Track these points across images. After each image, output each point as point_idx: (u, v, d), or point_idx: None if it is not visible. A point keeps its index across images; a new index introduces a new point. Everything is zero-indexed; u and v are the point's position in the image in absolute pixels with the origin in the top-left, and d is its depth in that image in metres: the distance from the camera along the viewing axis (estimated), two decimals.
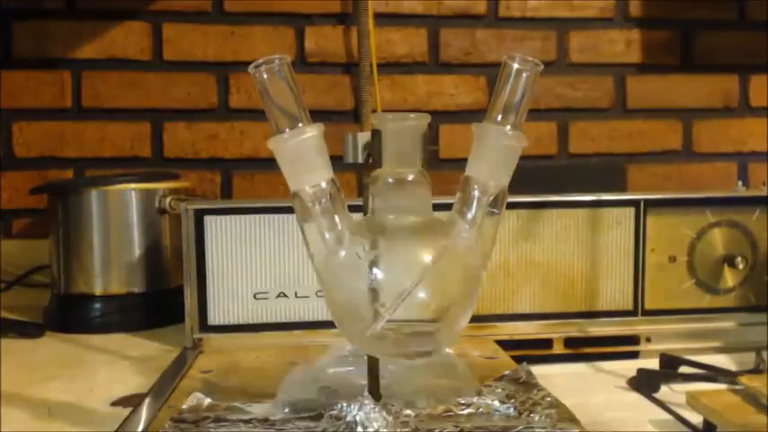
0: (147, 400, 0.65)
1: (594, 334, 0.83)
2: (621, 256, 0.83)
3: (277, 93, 0.49)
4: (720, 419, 0.56)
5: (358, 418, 0.51)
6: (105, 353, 0.86)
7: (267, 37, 1.29)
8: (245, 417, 0.55)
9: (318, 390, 0.58)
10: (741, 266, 0.84)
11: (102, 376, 0.80)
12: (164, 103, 1.29)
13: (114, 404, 0.66)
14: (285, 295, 0.80)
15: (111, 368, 0.81)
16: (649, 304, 0.84)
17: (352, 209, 0.52)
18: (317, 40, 1.30)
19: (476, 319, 0.63)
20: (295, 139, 0.49)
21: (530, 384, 0.61)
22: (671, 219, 0.84)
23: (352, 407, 0.52)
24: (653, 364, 0.75)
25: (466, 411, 0.55)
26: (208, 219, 0.79)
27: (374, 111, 1.25)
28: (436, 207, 0.52)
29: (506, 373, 0.63)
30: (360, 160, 0.59)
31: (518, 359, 0.69)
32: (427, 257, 0.49)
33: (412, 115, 0.54)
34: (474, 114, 1.31)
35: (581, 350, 0.82)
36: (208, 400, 0.58)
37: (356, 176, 1.26)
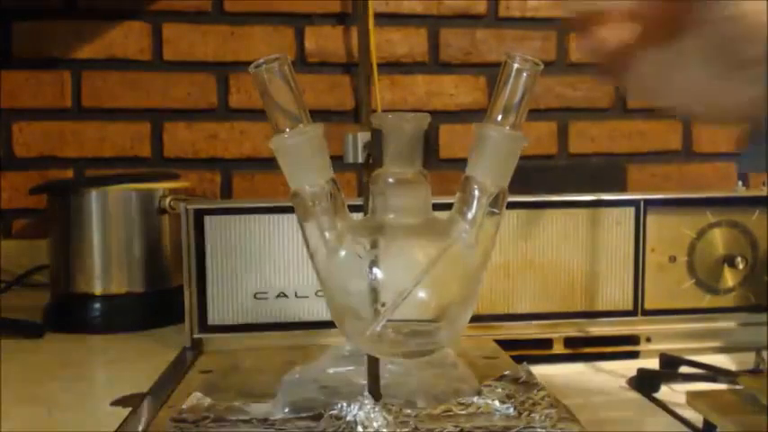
0: (147, 400, 0.65)
1: (594, 334, 0.83)
2: (621, 256, 0.83)
3: (277, 92, 0.49)
4: (720, 419, 0.56)
5: (358, 418, 0.51)
6: (105, 353, 0.86)
7: (267, 37, 1.29)
8: (245, 417, 0.55)
9: (318, 390, 0.58)
10: (741, 266, 0.84)
11: (102, 376, 0.80)
12: (164, 103, 1.28)
13: (114, 404, 0.66)
14: (285, 295, 0.80)
15: (111, 368, 0.81)
16: (649, 304, 0.84)
17: (352, 209, 0.52)
18: (317, 40, 1.30)
19: (476, 319, 0.63)
20: (295, 139, 0.49)
21: (530, 384, 0.61)
22: (671, 219, 0.83)
23: (352, 407, 0.52)
24: (653, 364, 0.75)
25: (466, 411, 0.55)
26: (208, 219, 0.79)
27: (374, 111, 1.25)
28: (436, 207, 0.52)
29: (506, 373, 0.63)
30: (360, 160, 0.59)
31: (518, 359, 0.69)
32: (427, 257, 0.49)
33: (412, 115, 0.54)
34: (474, 114, 1.31)
35: (581, 350, 0.82)
36: (208, 400, 0.58)
37: (356, 176, 1.26)
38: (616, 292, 0.83)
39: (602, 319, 0.83)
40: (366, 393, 0.54)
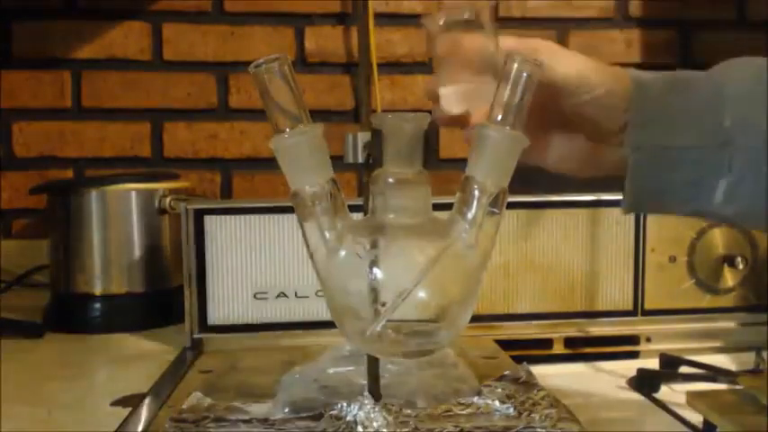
0: (147, 400, 0.65)
1: (594, 334, 0.83)
2: (621, 256, 0.83)
3: (277, 92, 0.49)
4: (720, 419, 0.56)
5: (358, 418, 0.51)
6: (105, 353, 0.86)
7: (267, 37, 1.29)
8: (245, 417, 0.55)
9: (318, 390, 0.58)
10: (741, 266, 0.84)
11: (102, 376, 0.80)
12: (164, 103, 1.28)
13: (114, 404, 0.66)
14: (285, 295, 0.80)
15: (111, 368, 0.81)
16: (649, 304, 0.84)
17: (352, 209, 0.52)
18: (317, 40, 1.30)
19: (476, 319, 0.63)
20: (295, 139, 0.49)
21: (530, 384, 0.61)
22: (671, 219, 0.83)
23: (352, 407, 0.52)
24: (653, 364, 0.75)
25: (466, 411, 0.55)
26: (208, 219, 0.79)
27: (374, 111, 1.25)
28: (436, 207, 0.52)
29: (506, 373, 0.63)
30: (360, 160, 0.59)
31: (518, 359, 0.69)
32: (427, 257, 0.49)
33: (412, 115, 0.54)
34: None
35: (581, 350, 0.82)
36: (208, 400, 0.58)
37: (356, 176, 1.26)
38: (616, 292, 0.83)
39: (602, 319, 0.84)
40: (366, 393, 0.54)
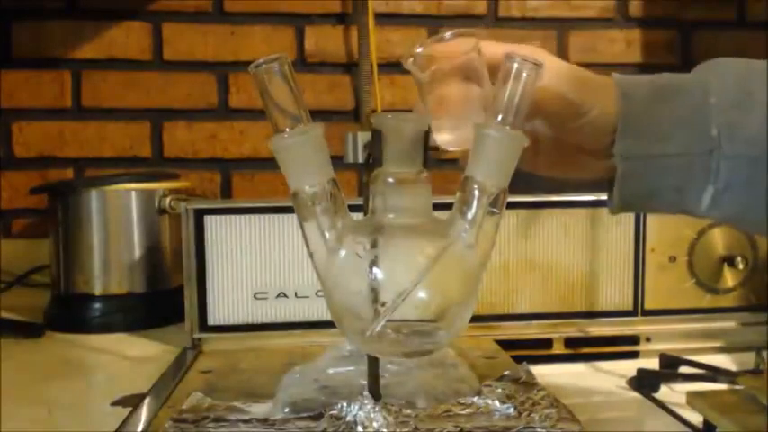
0: (147, 400, 0.65)
1: (594, 334, 0.83)
2: (621, 256, 0.83)
3: (277, 92, 0.49)
4: (720, 419, 0.56)
5: (358, 418, 0.51)
6: (105, 353, 0.86)
7: (267, 37, 1.29)
8: (245, 417, 0.55)
9: (318, 390, 0.58)
10: (741, 266, 0.84)
11: (102, 376, 0.80)
12: (164, 103, 1.29)
13: (114, 404, 0.66)
14: (285, 295, 0.80)
15: (111, 368, 0.81)
16: (649, 304, 0.84)
17: (352, 209, 0.52)
18: (317, 40, 1.30)
19: (476, 319, 0.63)
20: (295, 139, 0.49)
21: (530, 384, 0.61)
22: (671, 219, 0.83)
23: (352, 407, 0.52)
24: (653, 364, 0.75)
25: (466, 411, 0.55)
26: (208, 219, 0.79)
27: (374, 111, 1.25)
28: (436, 207, 0.52)
29: (506, 373, 0.63)
30: (360, 160, 0.59)
31: (518, 359, 0.69)
32: (427, 257, 0.49)
33: (412, 115, 0.54)
34: None
35: (581, 350, 0.82)
36: (208, 400, 0.58)
37: (356, 176, 1.26)
38: (616, 292, 0.83)
39: (602, 319, 0.83)
40: (366, 393, 0.53)
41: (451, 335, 0.52)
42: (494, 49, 0.52)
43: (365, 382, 0.56)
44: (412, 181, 0.51)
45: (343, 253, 0.50)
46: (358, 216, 0.53)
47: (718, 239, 0.85)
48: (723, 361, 0.78)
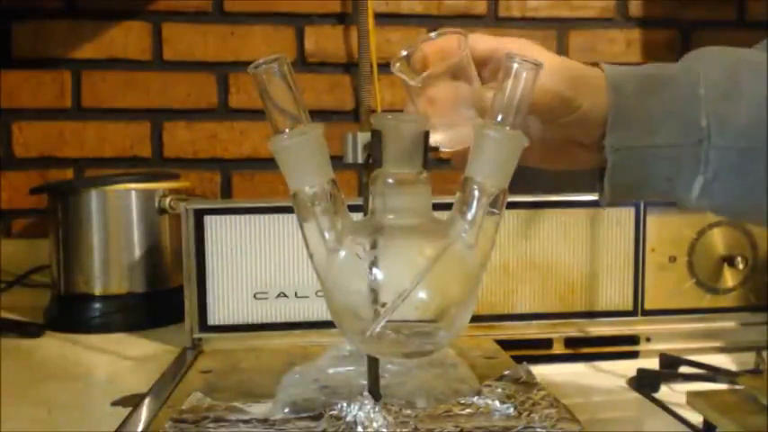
0: (147, 400, 0.65)
1: (594, 334, 0.83)
2: (621, 256, 0.83)
3: (277, 93, 0.49)
4: (720, 419, 0.56)
5: (358, 418, 0.51)
6: (105, 353, 0.86)
7: (267, 37, 1.29)
8: (245, 417, 0.55)
9: (318, 390, 0.58)
10: (741, 266, 0.84)
11: (102, 376, 0.80)
12: (164, 103, 1.28)
13: (114, 404, 0.66)
14: (285, 295, 0.80)
15: (111, 368, 0.81)
16: (649, 304, 0.84)
17: (352, 209, 0.52)
18: (317, 40, 1.30)
19: (476, 319, 0.63)
20: (294, 140, 0.49)
21: (530, 384, 0.61)
22: (671, 219, 0.83)
23: (352, 407, 0.52)
24: (653, 364, 0.75)
25: (466, 411, 0.55)
26: (208, 219, 0.79)
27: (374, 111, 1.25)
28: (436, 207, 0.52)
29: (506, 373, 0.63)
30: (360, 160, 0.59)
31: (518, 359, 0.69)
32: (427, 258, 0.49)
33: (412, 116, 0.54)
34: None
35: (581, 350, 0.82)
36: (208, 401, 0.58)
37: (356, 176, 1.26)
38: (616, 292, 0.83)
39: (601, 319, 0.83)
40: (366, 393, 0.54)
41: (451, 335, 0.52)
42: (483, 43, 0.52)
43: (365, 382, 0.56)
44: (412, 181, 0.51)
45: (342, 253, 0.50)
46: (358, 216, 0.53)
47: (718, 239, 0.85)
48: (723, 361, 0.78)
